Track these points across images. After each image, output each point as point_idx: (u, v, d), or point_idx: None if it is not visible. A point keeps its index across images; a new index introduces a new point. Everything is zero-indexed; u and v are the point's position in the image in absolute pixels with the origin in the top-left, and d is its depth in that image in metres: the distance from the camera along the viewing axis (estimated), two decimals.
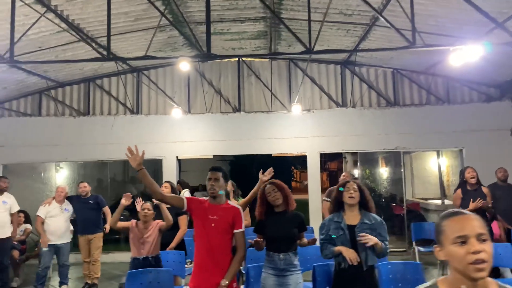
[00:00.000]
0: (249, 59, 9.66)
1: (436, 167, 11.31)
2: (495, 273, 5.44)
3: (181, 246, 5.53)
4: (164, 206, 4.58)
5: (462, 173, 6.02)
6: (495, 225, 6.38)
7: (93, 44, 7.32)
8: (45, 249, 6.33)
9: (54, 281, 7.05)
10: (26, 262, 7.48)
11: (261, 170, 4.33)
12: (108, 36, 5.71)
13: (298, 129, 9.21)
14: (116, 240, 9.64)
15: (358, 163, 14.56)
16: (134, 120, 9.41)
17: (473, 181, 5.76)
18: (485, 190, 5.83)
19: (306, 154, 9.29)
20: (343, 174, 6.82)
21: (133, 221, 4.67)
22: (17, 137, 9.21)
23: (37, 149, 9.18)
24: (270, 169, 3.98)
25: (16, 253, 6.99)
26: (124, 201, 4.58)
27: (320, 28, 6.05)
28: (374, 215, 3.44)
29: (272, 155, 9.94)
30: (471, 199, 5.55)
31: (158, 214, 4.71)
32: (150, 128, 9.24)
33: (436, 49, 6.21)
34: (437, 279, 1.51)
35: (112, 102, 9.70)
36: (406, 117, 9.14)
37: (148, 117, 9.46)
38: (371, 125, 9.14)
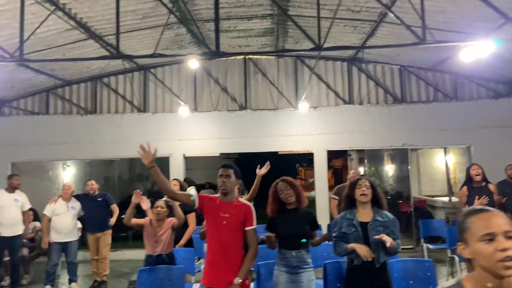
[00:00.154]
0: (255, 56, 9.64)
1: (443, 164, 11.27)
2: None
3: (189, 243, 5.56)
4: (176, 204, 4.59)
5: (467, 170, 5.98)
6: None
7: (101, 42, 7.34)
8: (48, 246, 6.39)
9: (64, 278, 7.10)
10: (35, 260, 7.53)
11: (258, 165, 4.36)
12: (117, 33, 5.73)
13: (304, 126, 9.19)
14: (124, 238, 9.68)
15: (365, 161, 14.51)
16: (141, 118, 9.44)
17: (478, 178, 5.71)
18: (491, 187, 5.79)
19: (313, 152, 9.27)
20: (352, 171, 6.81)
21: (148, 218, 4.69)
22: (25, 136, 9.25)
23: (44, 147, 9.22)
24: (267, 163, 4.00)
25: (26, 251, 7.03)
26: (135, 199, 4.59)
27: (330, 25, 6.02)
28: (387, 212, 3.43)
29: (278, 153, 9.94)
30: (477, 197, 5.51)
31: (170, 212, 4.72)
32: (157, 126, 9.25)
33: (445, 46, 6.19)
34: (461, 277, 1.50)
35: (119, 101, 9.72)
36: (413, 114, 9.10)
37: (155, 115, 9.48)
38: (378, 122, 9.11)
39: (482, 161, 6.30)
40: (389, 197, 11.96)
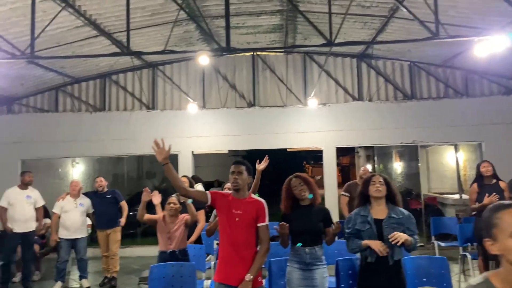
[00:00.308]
0: (264, 53, 9.61)
1: (453, 161, 11.15)
2: None
3: (198, 240, 5.57)
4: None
5: (478, 167, 5.91)
6: None
7: (111, 39, 7.35)
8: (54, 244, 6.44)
9: (74, 275, 7.13)
10: (46, 256, 7.57)
11: (258, 160, 4.33)
12: (128, 30, 5.72)
13: (313, 123, 9.15)
14: (133, 235, 9.71)
15: (375, 157, 14.44)
16: (150, 115, 9.45)
17: (489, 175, 5.64)
18: (502, 184, 5.71)
19: (321, 149, 9.23)
20: (362, 168, 6.74)
21: (161, 214, 4.68)
22: (34, 133, 9.31)
23: (54, 144, 9.27)
24: (265, 158, 3.96)
25: (36, 247, 7.07)
26: (144, 197, 4.58)
27: (342, 20, 5.97)
28: (402, 209, 3.39)
29: (287, 150, 9.91)
30: (487, 194, 5.44)
31: (183, 209, 4.71)
32: (166, 123, 9.26)
33: (456, 41, 6.10)
34: (488, 274, 1.46)
35: (127, 98, 9.73)
36: (424, 110, 9.02)
37: (163, 113, 9.49)
38: (388, 118, 9.04)
39: (493, 158, 6.22)
40: None
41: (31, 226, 6.48)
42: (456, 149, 10.84)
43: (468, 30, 6.24)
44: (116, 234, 6.83)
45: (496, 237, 1.40)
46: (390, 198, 3.39)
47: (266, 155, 4.10)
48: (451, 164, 11.34)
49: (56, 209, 6.50)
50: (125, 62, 9.07)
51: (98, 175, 7.28)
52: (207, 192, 3.41)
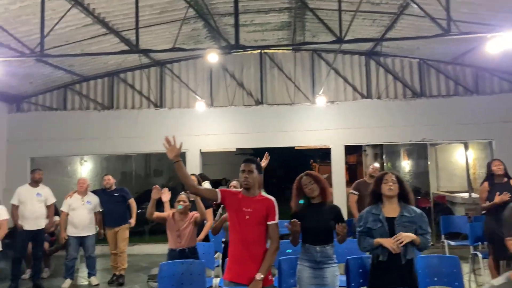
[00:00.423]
0: (271, 51, 9.57)
1: (462, 159, 11.06)
2: None
3: (205, 238, 5.57)
4: (198, 199, 4.57)
5: (489, 165, 5.83)
6: None
7: (118, 38, 7.36)
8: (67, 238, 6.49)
9: (83, 272, 7.17)
10: (55, 254, 7.61)
11: (258, 158, 4.30)
12: (137, 28, 5.72)
13: (321, 121, 9.11)
14: (141, 232, 9.74)
15: (384, 156, 14.34)
16: (158, 113, 9.46)
17: (500, 173, 5.56)
18: None
19: (329, 147, 9.18)
20: (372, 166, 6.70)
21: (170, 212, 4.69)
22: (43, 131, 9.36)
23: (62, 142, 9.32)
24: (266, 154, 3.93)
25: (46, 245, 7.11)
26: (154, 195, 4.58)
27: (352, 17, 5.92)
28: (414, 207, 3.35)
29: (295, 148, 9.87)
30: (497, 193, 5.37)
31: (192, 206, 4.71)
32: (173, 121, 9.26)
33: (466, 38, 6.04)
34: (510, 273, 1.43)
35: (135, 96, 9.75)
36: (433, 108, 8.94)
37: (171, 111, 9.49)
38: (397, 116, 8.98)
39: (504, 156, 6.15)
40: None
41: (41, 224, 6.52)
42: (466, 147, 10.75)
43: (479, 27, 6.15)
44: (124, 232, 6.84)
45: None
46: (402, 197, 3.36)
47: (266, 152, 4.06)
48: (460, 162, 11.25)
49: (64, 207, 6.54)
50: (133, 60, 9.08)
51: (106, 173, 7.30)
52: (217, 190, 3.39)
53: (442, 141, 9.48)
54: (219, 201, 3.34)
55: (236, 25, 5.58)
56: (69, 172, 11.17)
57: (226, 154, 13.00)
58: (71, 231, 6.49)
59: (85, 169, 11.71)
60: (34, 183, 6.59)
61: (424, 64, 9.29)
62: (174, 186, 9.62)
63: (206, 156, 9.64)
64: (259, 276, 3.12)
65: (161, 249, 7.62)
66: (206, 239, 5.61)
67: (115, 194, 6.84)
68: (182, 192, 4.80)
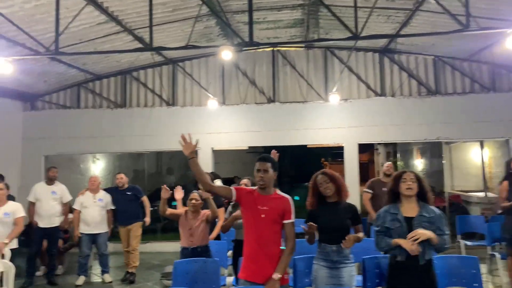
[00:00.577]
0: (284, 48, 9.51)
1: (477, 158, 10.86)
2: None
3: (217, 237, 5.56)
4: (210, 197, 4.55)
5: (508, 164, 5.70)
6: None
7: (131, 36, 7.37)
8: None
9: (97, 269, 7.21)
10: (69, 251, 7.67)
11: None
12: (150, 26, 5.72)
13: (334, 119, 9.02)
14: (153, 230, 9.77)
15: (398, 154, 14.19)
16: (170, 111, 9.47)
17: None
18: None
19: (342, 145, 9.09)
20: (386, 165, 6.62)
21: (183, 209, 4.68)
22: (57, 129, 9.44)
23: (76, 140, 9.39)
24: (274, 152, 3.87)
25: (60, 242, 7.17)
26: (163, 194, 4.57)
27: (369, 13, 5.83)
28: (433, 207, 3.27)
29: (307, 146, 9.81)
30: None
31: (204, 205, 4.70)
32: (186, 119, 9.26)
33: (483, 34, 5.94)
34: None
35: (148, 94, 9.77)
36: (449, 106, 8.80)
37: (183, 109, 9.50)
38: (411, 114, 8.85)
39: None
40: None
41: (55, 221, 6.57)
42: (482, 146, 10.56)
43: (497, 23, 6.00)
44: (137, 230, 6.87)
45: None
46: (421, 196, 3.28)
47: (273, 150, 4.01)
48: (475, 161, 11.06)
49: (76, 205, 6.58)
50: (145, 58, 9.09)
51: (118, 171, 7.32)
52: (232, 188, 3.36)
53: (458, 139, 9.34)
54: (234, 199, 3.31)
55: (250, 22, 5.54)
56: (82, 170, 11.27)
57: (237, 153, 12.97)
58: (83, 229, 6.53)
59: (97, 167, 11.81)
60: (49, 181, 6.66)
61: (440, 61, 9.14)
62: (185, 184, 9.65)
63: (217, 154, 9.62)
64: (276, 276, 3.08)
65: (173, 247, 7.65)
66: (218, 237, 5.60)
67: (128, 193, 6.86)
68: (195, 190, 4.78)
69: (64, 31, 6.09)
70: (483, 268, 6.49)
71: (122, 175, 6.96)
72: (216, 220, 5.46)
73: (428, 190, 3.29)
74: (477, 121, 8.59)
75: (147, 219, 6.90)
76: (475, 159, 11.01)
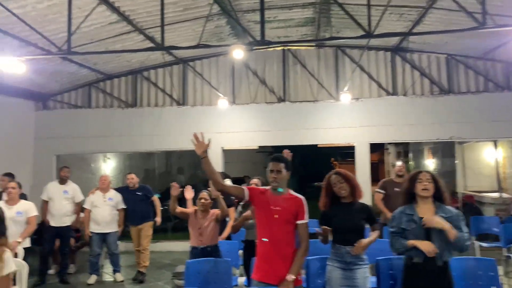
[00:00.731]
0: (294, 47, 9.45)
1: (490, 158, 10.71)
2: None
3: (228, 237, 5.53)
4: (220, 196, 4.53)
5: None
6: None
7: (142, 35, 7.38)
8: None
9: (108, 268, 7.23)
10: (81, 250, 7.71)
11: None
12: (162, 25, 5.72)
13: (345, 118, 8.95)
14: (164, 229, 9.78)
15: (410, 154, 14.04)
16: (181, 111, 9.47)
17: None
18: None
19: (354, 145, 9.01)
20: (399, 165, 6.53)
21: (193, 208, 4.67)
22: (68, 129, 9.49)
23: (87, 140, 9.43)
24: (287, 152, 3.80)
25: (72, 241, 7.21)
26: (173, 192, 4.56)
27: (383, 12, 5.75)
28: (450, 207, 3.20)
29: (318, 146, 9.74)
30: None
31: (214, 204, 4.68)
32: (196, 119, 9.26)
33: (498, 32, 5.79)
34: None
35: (158, 94, 9.79)
36: (462, 105, 8.67)
37: (194, 108, 9.49)
38: (424, 114, 8.74)
39: None
40: None
41: (66, 221, 6.60)
42: (495, 146, 10.40)
43: None
44: (147, 229, 6.87)
45: None
46: (437, 197, 3.21)
47: (286, 150, 3.95)
48: (488, 161, 10.90)
49: (86, 204, 6.61)
50: (156, 58, 9.11)
51: (129, 171, 7.33)
52: (244, 187, 3.33)
53: (471, 139, 9.21)
54: (246, 199, 3.28)
55: (262, 21, 5.51)
56: (93, 169, 11.34)
57: (246, 152, 12.96)
58: (94, 228, 6.55)
59: (108, 166, 11.87)
60: (61, 180, 6.69)
61: (452, 60, 9.01)
62: (195, 184, 9.66)
63: (226, 154, 9.60)
64: (290, 277, 3.04)
65: (183, 246, 7.63)
66: (228, 237, 5.56)
67: (138, 193, 6.86)
68: (205, 190, 4.77)
69: (76, 31, 6.12)
70: (499, 270, 6.38)
71: (133, 176, 6.96)
72: (227, 219, 5.45)
73: (445, 191, 3.22)
74: (491, 120, 8.45)
75: (158, 219, 6.91)
76: (488, 159, 10.85)
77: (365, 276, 3.40)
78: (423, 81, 9.10)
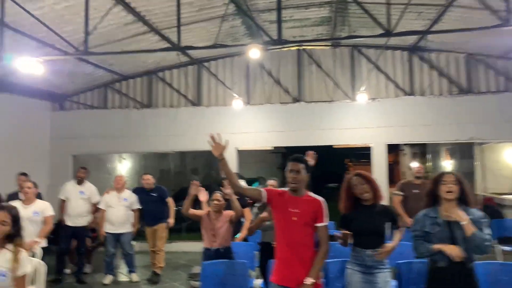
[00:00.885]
0: (310, 47, 9.37)
1: (511, 159, 10.45)
2: None
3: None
4: (234, 198, 4.48)
5: None
6: None
7: (158, 36, 7.39)
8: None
9: (124, 269, 7.24)
10: (97, 249, 7.75)
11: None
12: (178, 26, 5.72)
13: (362, 119, 8.83)
14: (178, 230, 9.78)
15: (428, 155, 13.80)
16: (195, 111, 9.47)
17: None
18: None
19: (371, 145, 8.88)
20: (417, 166, 6.40)
21: (206, 210, 4.64)
22: (85, 129, 9.58)
23: (103, 140, 9.51)
24: (311, 153, 3.70)
25: (88, 241, 7.25)
26: (192, 190, 4.53)
27: (404, 10, 5.64)
28: (475, 210, 3.09)
29: (333, 147, 9.64)
30: None
31: (227, 205, 4.64)
32: (211, 119, 9.25)
33: None
34: None
35: (174, 94, 9.80)
36: (482, 105, 8.47)
37: (208, 109, 9.48)
38: (442, 114, 8.57)
39: None
40: None
41: (81, 221, 6.63)
42: None
43: None
44: (162, 230, 6.87)
45: None
46: (462, 199, 3.11)
47: (309, 151, 3.85)
48: (508, 162, 10.64)
49: (101, 204, 6.61)
50: (171, 59, 9.12)
51: (145, 171, 7.33)
52: (262, 189, 3.28)
53: (491, 140, 8.99)
54: (264, 201, 3.23)
55: (279, 20, 5.46)
56: (108, 170, 11.42)
57: (260, 153, 12.89)
58: (108, 228, 6.55)
59: (124, 166, 11.95)
60: (78, 180, 6.73)
61: (472, 59, 8.81)
62: (209, 184, 9.64)
63: (240, 155, 9.56)
64: (309, 280, 2.98)
65: (198, 247, 7.54)
66: (244, 238, 5.51)
67: (153, 194, 6.85)
68: (218, 191, 4.73)
69: (92, 32, 6.15)
70: None
71: (149, 177, 6.95)
72: (242, 220, 5.41)
73: (470, 193, 3.11)
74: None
75: (171, 220, 6.89)
76: (509, 160, 10.60)
77: (386, 280, 3.32)
78: (441, 81, 8.92)
